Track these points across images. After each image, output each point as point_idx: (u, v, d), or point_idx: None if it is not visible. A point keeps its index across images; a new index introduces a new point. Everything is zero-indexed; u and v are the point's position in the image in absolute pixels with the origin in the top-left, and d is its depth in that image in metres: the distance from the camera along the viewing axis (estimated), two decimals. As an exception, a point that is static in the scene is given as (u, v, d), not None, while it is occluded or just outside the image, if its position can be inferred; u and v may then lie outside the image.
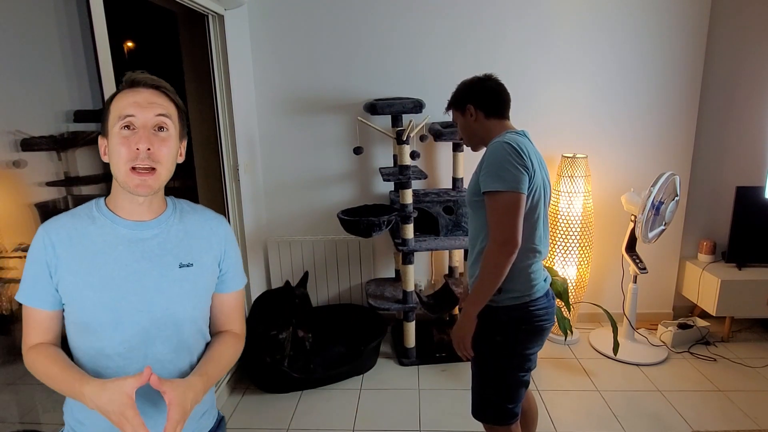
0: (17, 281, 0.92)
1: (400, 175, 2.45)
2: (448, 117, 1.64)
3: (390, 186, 2.97)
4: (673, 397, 2.33)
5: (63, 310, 0.93)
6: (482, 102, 1.49)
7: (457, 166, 2.78)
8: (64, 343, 0.95)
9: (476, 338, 1.45)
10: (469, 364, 1.56)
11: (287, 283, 2.53)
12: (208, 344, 1.03)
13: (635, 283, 2.72)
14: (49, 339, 0.92)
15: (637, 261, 2.67)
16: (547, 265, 2.81)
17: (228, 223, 1.07)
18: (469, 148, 1.60)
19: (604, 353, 2.73)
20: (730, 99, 2.87)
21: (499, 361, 1.46)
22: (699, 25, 2.73)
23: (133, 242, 0.93)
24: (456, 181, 2.81)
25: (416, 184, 2.94)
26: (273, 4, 2.76)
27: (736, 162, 2.94)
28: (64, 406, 0.99)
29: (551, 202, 2.28)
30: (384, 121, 2.81)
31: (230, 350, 1.03)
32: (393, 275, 3.08)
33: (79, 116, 1.61)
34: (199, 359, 1.00)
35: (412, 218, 2.52)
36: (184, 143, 0.98)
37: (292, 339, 2.46)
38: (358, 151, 2.60)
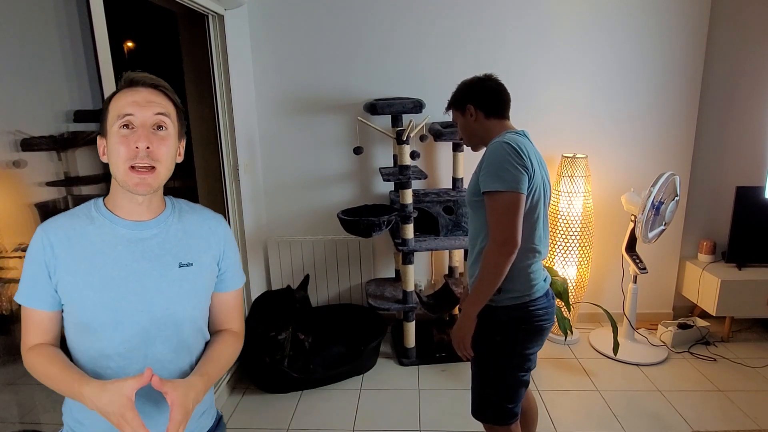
0: (17, 281, 0.92)
1: (400, 175, 2.45)
2: (448, 117, 1.64)
3: (390, 186, 2.97)
4: (673, 397, 2.33)
5: (62, 311, 0.93)
6: (482, 102, 1.49)
7: (457, 166, 2.78)
8: (63, 344, 0.95)
9: (476, 338, 1.45)
10: (469, 364, 1.56)
11: (288, 287, 2.54)
12: (207, 343, 1.04)
13: (635, 283, 2.72)
14: (49, 340, 0.92)
15: (637, 261, 2.67)
16: (547, 265, 2.81)
17: (226, 222, 1.07)
18: (469, 148, 1.60)
19: (604, 353, 2.73)
20: (730, 99, 2.87)
21: (499, 361, 1.47)
22: (699, 25, 2.73)
23: (133, 242, 0.93)
24: (456, 181, 2.81)
25: (416, 184, 2.94)
26: (273, 4, 2.76)
27: (736, 162, 2.94)
28: (63, 407, 0.99)
29: (551, 202, 2.28)
30: (384, 121, 2.81)
31: (230, 349, 1.03)
32: (393, 275, 3.08)
33: (79, 116, 1.61)
34: (198, 359, 1.00)
35: (412, 218, 2.52)
36: (183, 143, 0.98)
37: (291, 339, 2.46)
38: (358, 151, 2.61)
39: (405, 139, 2.42)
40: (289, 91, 2.87)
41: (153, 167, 0.88)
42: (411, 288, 2.58)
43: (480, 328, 1.44)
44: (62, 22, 1.57)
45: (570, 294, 2.69)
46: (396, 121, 2.69)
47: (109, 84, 1.62)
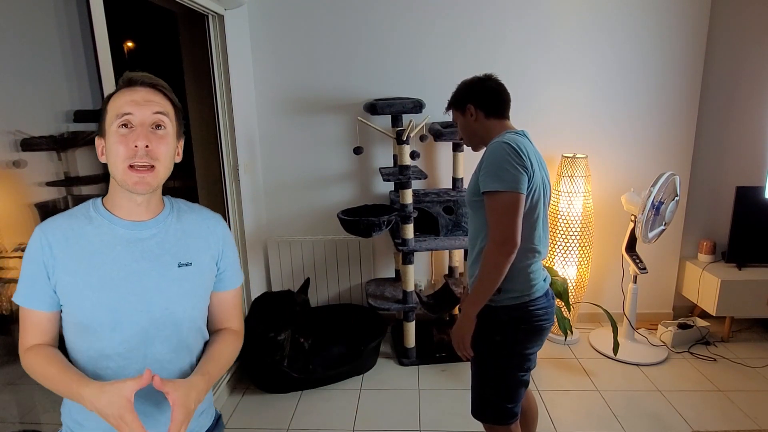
0: (17, 281, 0.92)
1: (400, 175, 2.45)
2: (448, 117, 1.64)
3: (390, 186, 2.97)
4: (673, 397, 2.33)
5: (60, 311, 0.92)
6: (482, 102, 1.49)
7: (457, 166, 2.78)
8: (61, 344, 0.95)
9: (476, 338, 1.45)
10: (469, 364, 1.56)
11: (289, 291, 2.54)
12: (207, 342, 1.04)
13: (635, 283, 2.72)
14: (47, 340, 0.92)
15: (637, 261, 2.67)
16: (547, 265, 2.81)
17: (225, 221, 1.07)
18: (470, 148, 1.60)
19: (604, 353, 2.73)
20: (730, 99, 2.87)
21: (499, 361, 1.47)
22: (699, 25, 2.73)
23: (132, 242, 0.92)
24: (456, 181, 2.81)
25: (416, 184, 2.94)
26: (273, 4, 2.76)
27: (736, 162, 2.94)
28: (62, 407, 0.99)
29: (551, 202, 2.28)
30: (384, 121, 2.81)
31: (230, 348, 1.04)
32: (393, 275, 3.08)
33: (79, 116, 1.61)
34: (198, 358, 1.00)
35: (412, 218, 2.52)
36: (181, 142, 0.98)
37: (291, 340, 2.46)
38: (358, 151, 2.61)
39: (405, 139, 2.42)
40: (289, 91, 2.87)
41: (152, 166, 0.88)
42: (411, 288, 2.58)
43: (480, 328, 1.44)
44: (62, 22, 1.57)
45: (570, 294, 2.69)
46: (396, 121, 2.69)
47: (109, 84, 1.63)
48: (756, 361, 2.64)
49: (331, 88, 2.86)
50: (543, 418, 2.14)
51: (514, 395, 1.48)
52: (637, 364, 2.62)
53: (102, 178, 1.69)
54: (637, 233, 2.53)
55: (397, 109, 2.58)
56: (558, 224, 2.79)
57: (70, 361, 0.92)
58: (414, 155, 2.48)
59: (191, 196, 2.69)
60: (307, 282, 2.64)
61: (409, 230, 2.52)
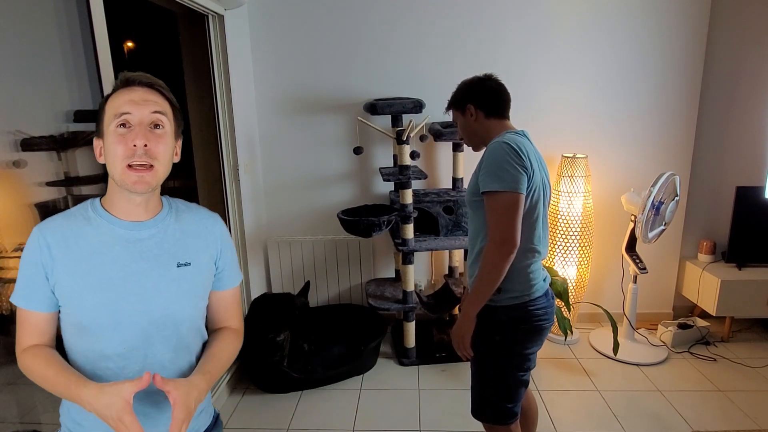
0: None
1: (400, 175, 2.45)
2: (448, 117, 1.64)
3: (390, 186, 2.97)
4: (673, 397, 2.33)
5: (58, 312, 0.92)
6: (482, 102, 1.49)
7: (457, 166, 2.78)
8: (59, 345, 0.94)
9: (475, 338, 1.45)
10: (469, 364, 1.56)
11: (289, 294, 2.54)
12: (206, 342, 1.04)
13: (635, 283, 2.72)
14: (44, 341, 0.91)
15: (637, 261, 2.67)
16: (547, 265, 2.81)
17: (222, 220, 1.07)
18: (470, 148, 1.60)
19: (604, 353, 2.73)
20: (730, 99, 2.87)
21: (499, 361, 1.47)
22: (699, 25, 2.73)
23: (131, 242, 0.92)
24: (456, 181, 2.81)
25: (416, 184, 2.94)
26: (273, 4, 2.76)
27: (736, 162, 2.94)
28: (61, 408, 0.98)
29: (551, 202, 2.28)
30: (384, 121, 2.81)
31: (230, 347, 1.04)
32: (393, 275, 3.08)
33: (79, 116, 1.61)
34: (197, 358, 1.00)
35: (412, 218, 2.52)
36: (179, 142, 0.97)
37: (291, 342, 2.46)
38: (358, 151, 2.61)
39: (405, 139, 2.42)
40: (289, 91, 2.87)
41: (151, 165, 0.88)
42: (411, 288, 2.58)
43: (479, 327, 1.44)
44: (62, 22, 1.57)
45: (570, 294, 2.69)
46: (396, 121, 2.69)
47: (109, 84, 1.63)
48: (756, 361, 2.64)
49: (331, 88, 2.86)
50: (543, 418, 2.14)
51: (513, 395, 1.48)
52: (637, 364, 2.62)
53: (102, 178, 1.69)
54: (637, 233, 2.53)
55: (397, 109, 2.58)
56: (558, 224, 2.79)
57: (68, 361, 0.92)
58: (414, 155, 2.48)
59: (191, 196, 2.69)
60: (307, 285, 2.65)
61: (409, 230, 2.52)
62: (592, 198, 2.82)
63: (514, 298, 1.42)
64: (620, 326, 2.73)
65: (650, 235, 2.50)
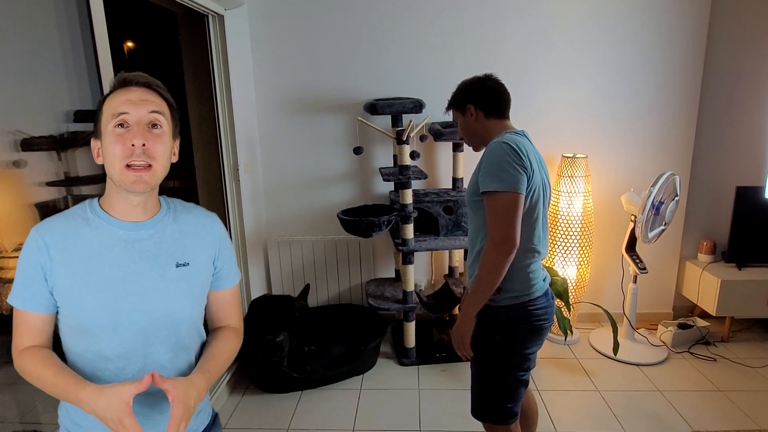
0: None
1: (400, 175, 2.45)
2: (448, 117, 1.64)
3: (390, 186, 2.97)
4: (673, 397, 2.33)
5: (56, 313, 0.91)
6: (482, 102, 1.49)
7: (457, 166, 2.78)
8: (57, 345, 0.94)
9: (475, 338, 1.45)
10: (469, 364, 1.56)
11: (288, 296, 2.54)
12: (206, 341, 1.04)
13: (635, 283, 2.72)
14: (41, 342, 0.91)
15: (637, 261, 2.67)
16: (547, 265, 2.81)
17: (220, 220, 1.07)
18: (470, 147, 1.60)
19: (604, 353, 2.73)
20: (730, 99, 2.87)
21: (498, 361, 1.47)
22: (699, 25, 2.73)
23: (130, 243, 0.92)
24: (456, 181, 2.81)
25: (416, 184, 2.94)
26: (273, 4, 2.76)
27: (736, 162, 2.94)
28: (59, 409, 0.98)
29: (551, 202, 2.28)
30: (384, 121, 2.81)
31: (230, 346, 1.03)
32: (393, 275, 3.08)
33: (79, 116, 1.61)
34: (196, 358, 1.00)
35: (412, 218, 2.52)
36: (177, 142, 0.97)
37: (290, 344, 2.46)
38: (358, 151, 2.61)
39: (405, 139, 2.42)
40: (289, 91, 2.87)
41: (149, 165, 0.88)
42: (411, 288, 2.58)
43: (479, 327, 1.44)
44: (62, 22, 1.57)
45: (570, 294, 2.69)
46: (396, 121, 2.69)
47: (109, 84, 1.62)
48: (756, 361, 2.64)
49: (331, 88, 2.86)
50: (543, 418, 2.14)
51: (513, 395, 1.48)
52: (637, 364, 2.62)
53: (102, 178, 1.69)
54: (637, 233, 2.53)
55: (397, 109, 2.58)
56: (558, 224, 2.79)
57: (67, 362, 0.92)
58: (414, 155, 2.48)
59: (191, 196, 2.69)
60: (306, 288, 2.65)
61: (409, 230, 2.52)
62: (592, 198, 2.82)
63: (513, 297, 1.42)
64: (620, 326, 2.74)
65: (650, 235, 2.50)
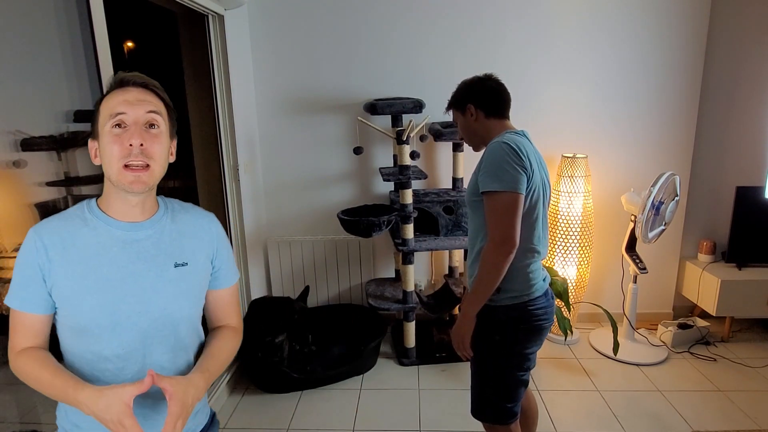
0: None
1: (400, 175, 2.45)
2: (448, 117, 1.64)
3: (390, 186, 2.97)
4: (673, 397, 2.33)
5: (54, 314, 0.91)
6: (482, 102, 1.49)
7: (457, 166, 2.78)
8: (56, 346, 0.93)
9: (475, 338, 1.45)
10: (469, 364, 1.56)
11: (288, 298, 2.54)
12: (205, 341, 1.04)
13: (635, 283, 2.72)
14: (39, 343, 0.90)
15: (637, 261, 2.67)
16: (547, 265, 2.81)
17: (217, 219, 1.07)
18: (470, 147, 1.60)
19: (604, 353, 2.73)
20: (730, 99, 2.87)
21: (498, 361, 1.47)
22: (699, 25, 2.73)
23: (128, 243, 0.92)
24: (456, 181, 2.81)
25: (416, 184, 2.94)
26: (273, 4, 2.76)
27: (736, 162, 2.94)
28: (57, 410, 0.97)
29: (551, 202, 2.28)
30: (384, 121, 2.81)
31: (229, 345, 1.03)
32: (393, 275, 3.08)
33: (79, 116, 1.61)
34: (195, 358, 1.00)
35: (412, 218, 2.52)
36: (174, 142, 0.97)
37: (290, 346, 2.46)
38: (358, 151, 2.61)
39: (405, 139, 2.42)
40: (289, 91, 2.87)
41: (147, 165, 0.88)
42: (411, 288, 2.58)
43: (479, 327, 1.44)
44: (62, 22, 1.57)
45: (570, 294, 2.69)
46: (396, 121, 2.69)
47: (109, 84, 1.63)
48: (756, 361, 2.64)
49: (331, 88, 2.86)
50: (543, 418, 2.14)
51: (513, 395, 1.48)
52: (637, 364, 2.62)
53: (101, 179, 1.69)
54: (637, 233, 2.53)
55: (397, 109, 2.58)
56: (558, 224, 2.79)
57: (66, 364, 0.91)
58: (414, 155, 2.48)
59: (191, 196, 2.69)
60: (306, 290, 2.65)
61: (409, 230, 2.52)
62: (592, 198, 2.82)
63: (513, 297, 1.42)
64: (620, 326, 2.73)
65: (650, 235, 2.50)
